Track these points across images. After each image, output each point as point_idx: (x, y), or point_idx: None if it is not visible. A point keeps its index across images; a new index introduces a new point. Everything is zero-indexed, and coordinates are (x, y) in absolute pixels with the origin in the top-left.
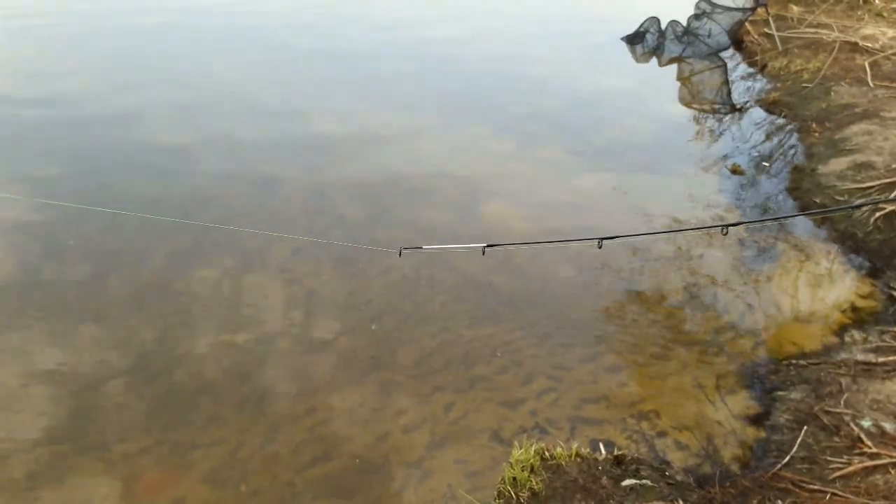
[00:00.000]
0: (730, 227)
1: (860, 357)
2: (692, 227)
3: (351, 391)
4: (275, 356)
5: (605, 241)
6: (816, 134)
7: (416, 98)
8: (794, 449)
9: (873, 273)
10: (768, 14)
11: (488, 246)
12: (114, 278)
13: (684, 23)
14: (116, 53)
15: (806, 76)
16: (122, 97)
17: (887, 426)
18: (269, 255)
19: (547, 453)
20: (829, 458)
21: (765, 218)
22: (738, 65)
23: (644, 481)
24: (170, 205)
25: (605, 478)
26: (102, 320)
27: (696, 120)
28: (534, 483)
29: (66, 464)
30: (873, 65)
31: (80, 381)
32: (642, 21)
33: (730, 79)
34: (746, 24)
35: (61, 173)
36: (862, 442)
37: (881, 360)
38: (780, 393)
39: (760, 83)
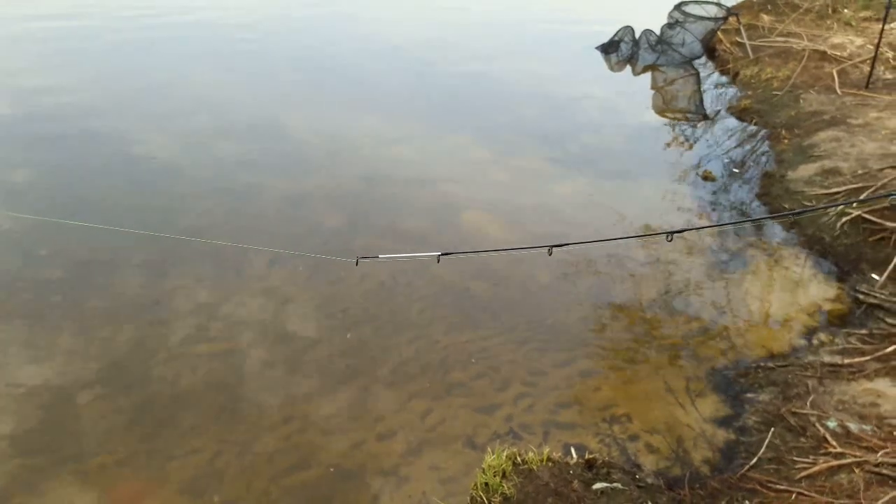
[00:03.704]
0: (674, 234)
1: (827, 359)
2: (642, 234)
3: (327, 399)
4: (251, 365)
5: (572, 249)
6: (786, 141)
7: (395, 107)
8: (762, 450)
9: (840, 277)
10: (740, 23)
11: (443, 254)
12: (89, 289)
13: (658, 32)
14: (94, 65)
15: (776, 84)
16: (99, 108)
17: (852, 426)
18: (246, 264)
19: (519, 458)
20: (795, 459)
21: (706, 225)
22: (710, 73)
23: (615, 484)
24: (146, 215)
25: (576, 481)
26: (78, 331)
27: (670, 127)
28: (506, 488)
29: (42, 475)
30: (841, 73)
31: (56, 391)
32: (616, 30)
33: (702, 87)
34: (719, 33)
35: (35, 185)
36: (827, 442)
37: (847, 361)
38: (748, 395)
39: (732, 91)
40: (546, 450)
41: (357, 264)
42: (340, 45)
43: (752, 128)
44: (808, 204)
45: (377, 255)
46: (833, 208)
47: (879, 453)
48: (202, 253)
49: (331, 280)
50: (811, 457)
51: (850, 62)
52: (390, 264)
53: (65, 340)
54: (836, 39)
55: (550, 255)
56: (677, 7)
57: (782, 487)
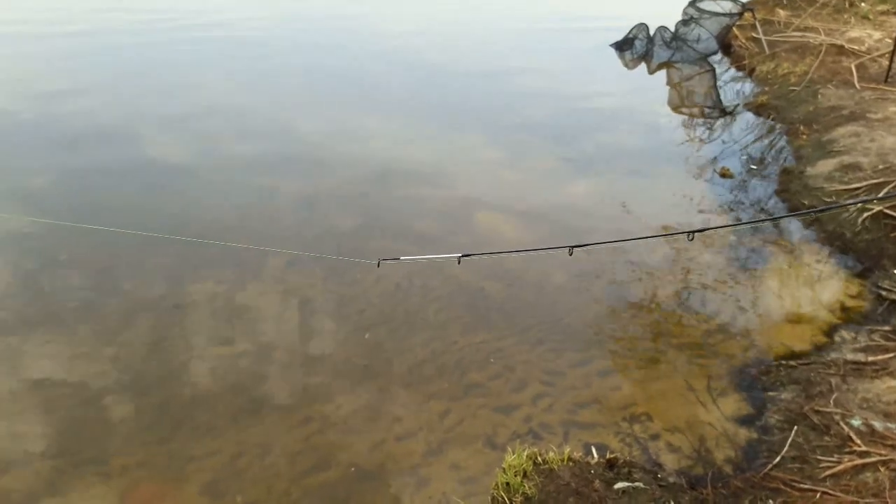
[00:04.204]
0: (695, 234)
1: (850, 356)
2: (663, 233)
3: (346, 400)
4: (269, 367)
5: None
6: (804, 136)
7: (407, 108)
8: (785, 449)
9: (862, 273)
10: (755, 19)
11: (464, 255)
12: (108, 293)
13: (672, 28)
14: (108, 69)
15: (793, 79)
16: (113, 112)
17: (877, 424)
18: (263, 267)
19: (540, 458)
20: (819, 458)
21: (730, 224)
22: (726, 69)
23: (636, 484)
24: (161, 219)
25: (597, 481)
26: (97, 334)
27: (686, 124)
28: (527, 488)
29: (64, 478)
30: (859, 67)
31: (76, 394)
32: (630, 27)
33: (718, 83)
34: (734, 28)
35: (54, 190)
36: (852, 441)
37: (870, 359)
38: (770, 394)
39: (749, 87)
40: (567, 449)
41: (378, 266)
42: (349, 49)
43: (770, 123)
44: (829, 200)
45: (398, 256)
46: (855, 204)
47: None
48: (218, 257)
49: (347, 282)
50: (835, 455)
51: (868, 56)
52: (406, 266)
53: (85, 344)
54: (854, 33)
55: (571, 255)
56: (692, 3)
57: (806, 486)
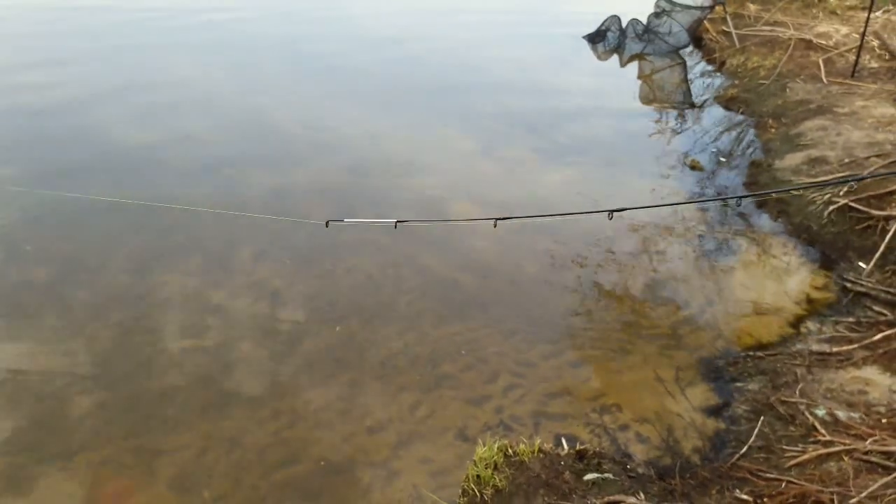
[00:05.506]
0: (615, 213)
1: (815, 347)
2: (581, 211)
3: (316, 393)
4: (238, 359)
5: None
6: (773, 130)
7: (381, 98)
8: (752, 439)
9: (827, 265)
10: (726, 12)
11: (399, 222)
12: (73, 285)
13: (644, 21)
14: (77, 50)
15: (762, 73)
16: (84, 100)
17: (840, 414)
18: (232, 258)
19: (510, 450)
20: (785, 447)
21: (648, 205)
22: (697, 62)
23: (606, 475)
24: (129, 210)
25: (567, 472)
26: (62, 327)
27: (657, 117)
28: (497, 480)
29: (27, 473)
30: (827, 61)
31: (39, 389)
32: (603, 19)
33: (689, 76)
34: (705, 22)
35: (22, 168)
36: (816, 430)
37: (835, 349)
38: (738, 384)
39: (719, 80)
40: (537, 441)
41: (327, 226)
42: (324, 38)
43: (739, 117)
44: (796, 192)
45: (342, 219)
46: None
47: (868, 441)
48: (187, 248)
49: (318, 273)
50: (800, 445)
51: (835, 51)
52: (378, 258)
53: (48, 337)
54: (822, 28)
55: (495, 227)
56: None
57: (772, 476)
